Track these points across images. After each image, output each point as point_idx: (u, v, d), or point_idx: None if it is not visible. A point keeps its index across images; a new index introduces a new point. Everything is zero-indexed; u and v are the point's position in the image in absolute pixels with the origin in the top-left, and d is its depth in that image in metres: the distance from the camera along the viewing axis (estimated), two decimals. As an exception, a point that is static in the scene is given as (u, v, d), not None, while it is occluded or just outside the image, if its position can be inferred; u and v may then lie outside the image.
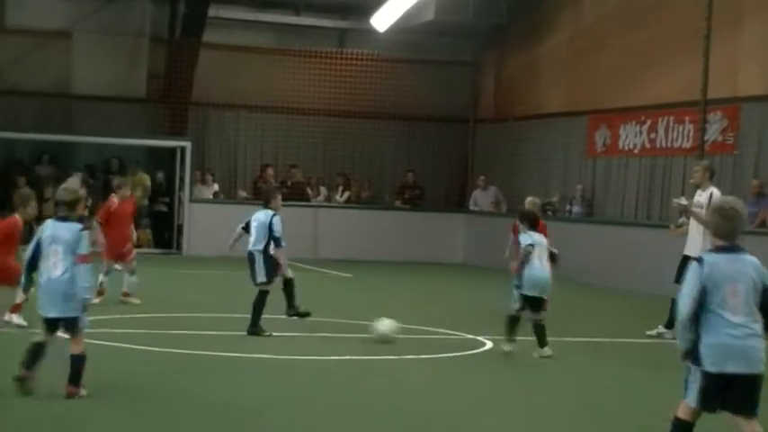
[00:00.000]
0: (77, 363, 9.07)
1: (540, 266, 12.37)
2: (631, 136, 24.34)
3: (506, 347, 12.45)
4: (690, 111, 21.88)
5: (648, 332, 14.93)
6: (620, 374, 11.89)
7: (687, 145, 22.58)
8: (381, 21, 27.15)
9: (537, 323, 12.46)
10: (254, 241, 13.70)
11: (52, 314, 9.14)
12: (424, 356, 12.35)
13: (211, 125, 28.49)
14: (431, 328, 14.67)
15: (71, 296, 9.04)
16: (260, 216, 13.84)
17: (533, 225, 12.63)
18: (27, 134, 26.57)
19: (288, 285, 14.19)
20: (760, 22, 21.12)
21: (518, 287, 12.40)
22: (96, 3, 27.36)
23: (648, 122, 23.80)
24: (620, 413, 9.70)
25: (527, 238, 12.49)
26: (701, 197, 14.80)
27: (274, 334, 13.29)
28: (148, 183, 27.14)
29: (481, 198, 28.45)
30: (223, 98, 28.11)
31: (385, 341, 12.82)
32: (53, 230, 9.23)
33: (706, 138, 21.18)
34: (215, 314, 15.08)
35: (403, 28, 27.13)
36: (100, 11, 27.43)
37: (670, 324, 14.42)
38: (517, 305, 12.46)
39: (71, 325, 9.14)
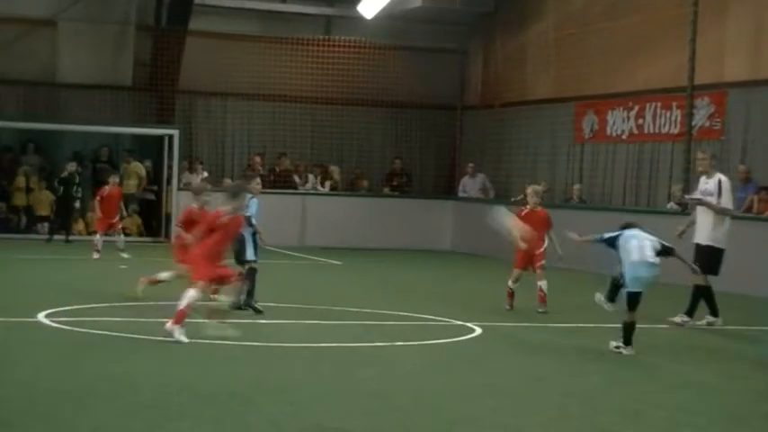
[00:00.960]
0: None
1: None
2: (619, 122, 24.37)
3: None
4: (677, 97, 21.93)
5: (672, 318, 14.96)
6: (607, 360, 11.91)
7: (675, 131, 22.63)
8: (368, 7, 27.12)
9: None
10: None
11: None
12: (413, 343, 12.37)
13: (198, 113, 28.45)
14: (420, 315, 14.69)
15: None
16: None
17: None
18: (12, 123, 26.47)
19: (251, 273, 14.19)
20: (746, 8, 21.16)
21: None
22: (82, -10, 27.27)
23: (636, 108, 23.83)
24: (609, 399, 9.72)
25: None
26: (707, 185, 14.91)
27: (261, 321, 13.29)
28: (143, 172, 27.23)
29: (469, 185, 28.47)
30: (210, 86, 28.05)
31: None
32: None
33: (693, 123, 21.24)
34: (204, 302, 15.06)
35: (390, 14, 27.11)
36: (86, -1, 27.36)
37: (713, 309, 14.57)
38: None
39: None
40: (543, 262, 15.56)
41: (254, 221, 14.30)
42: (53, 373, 9.73)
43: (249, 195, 13.90)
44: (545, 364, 11.41)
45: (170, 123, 27.35)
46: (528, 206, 15.95)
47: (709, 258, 14.70)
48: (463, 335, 13.12)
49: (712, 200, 14.76)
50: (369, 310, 15.05)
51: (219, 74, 27.85)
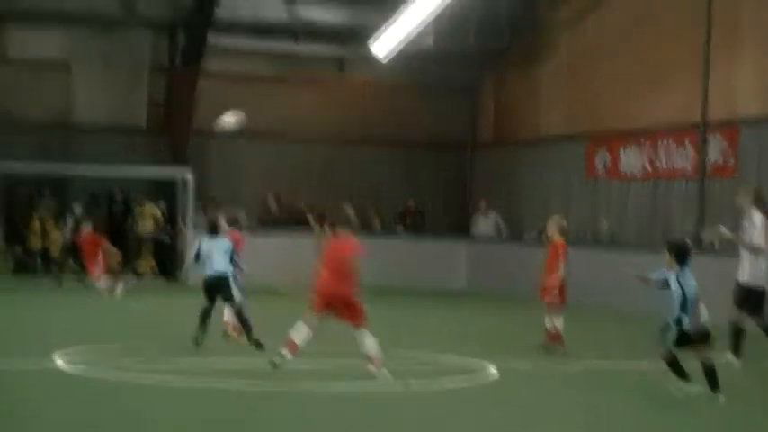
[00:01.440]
0: None
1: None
2: (631, 159, 24.37)
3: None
4: (689, 133, 21.94)
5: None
6: (631, 403, 11.84)
7: (687, 167, 22.61)
8: (381, 47, 27.23)
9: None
10: (224, 265, 14.53)
11: None
12: (429, 384, 12.31)
13: (212, 153, 28.51)
14: (436, 355, 14.64)
15: None
16: (220, 242, 14.74)
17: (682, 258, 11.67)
18: (28, 165, 26.55)
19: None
20: (758, 45, 21.20)
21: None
22: (96, 33, 27.44)
23: (648, 145, 23.84)
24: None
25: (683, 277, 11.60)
26: (744, 220, 14.71)
27: (275, 360, 13.26)
28: (158, 213, 27.28)
29: (482, 223, 28.46)
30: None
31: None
32: None
33: (706, 160, 21.23)
34: (217, 342, 15.06)
35: (402, 54, 27.20)
36: (99, 41, 27.52)
37: (735, 349, 14.21)
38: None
39: None
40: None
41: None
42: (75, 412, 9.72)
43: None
44: (566, 405, 11.35)
45: (184, 164, 27.41)
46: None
47: (747, 298, 14.45)
48: (480, 375, 13.06)
49: (756, 233, 14.50)
50: (381, 350, 14.99)
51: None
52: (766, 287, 14.50)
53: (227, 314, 15.18)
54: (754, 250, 14.48)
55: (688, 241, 12.52)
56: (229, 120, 13.61)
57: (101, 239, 23.11)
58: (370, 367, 12.12)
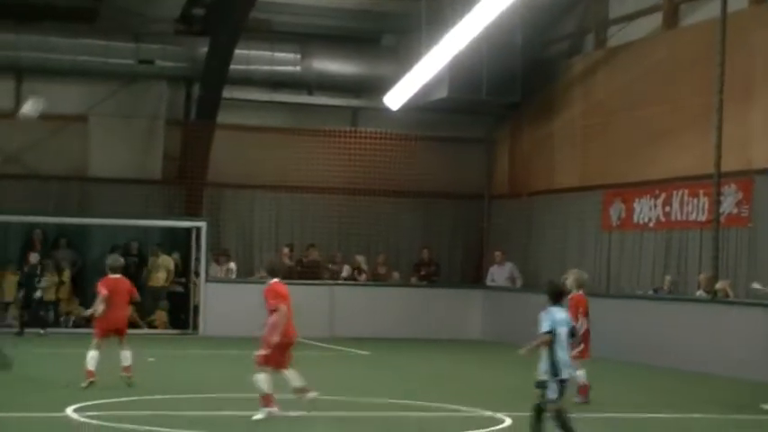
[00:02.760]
0: None
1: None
2: (646, 210, 24.36)
3: None
4: (704, 184, 21.93)
5: (763, 405, 14.95)
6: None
7: (702, 218, 22.58)
8: (394, 99, 27.37)
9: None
10: None
11: None
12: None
13: (226, 205, 28.62)
14: (450, 405, 14.60)
15: None
16: None
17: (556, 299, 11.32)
18: (45, 218, 26.73)
19: None
20: (771, 95, 21.22)
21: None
22: (112, 86, 27.68)
23: (663, 196, 23.84)
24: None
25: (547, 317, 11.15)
26: None
27: (291, 414, 13.23)
28: (171, 265, 27.38)
29: (498, 274, 28.42)
30: (238, 178, 28.29)
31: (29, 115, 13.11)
32: None
33: (721, 211, 21.21)
34: (227, 394, 15.04)
35: (416, 106, 27.33)
36: (116, 94, 27.76)
37: None
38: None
39: None
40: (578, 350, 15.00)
41: None
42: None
43: None
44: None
45: (198, 216, 27.53)
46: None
47: None
48: (493, 426, 13.01)
49: None
50: (396, 401, 14.96)
51: (247, 166, 28.10)
52: None
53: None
54: None
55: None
56: (30, 108, 13.59)
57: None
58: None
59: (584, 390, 15.21)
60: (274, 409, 12.73)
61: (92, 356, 15.36)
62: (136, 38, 27.28)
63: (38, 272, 25.52)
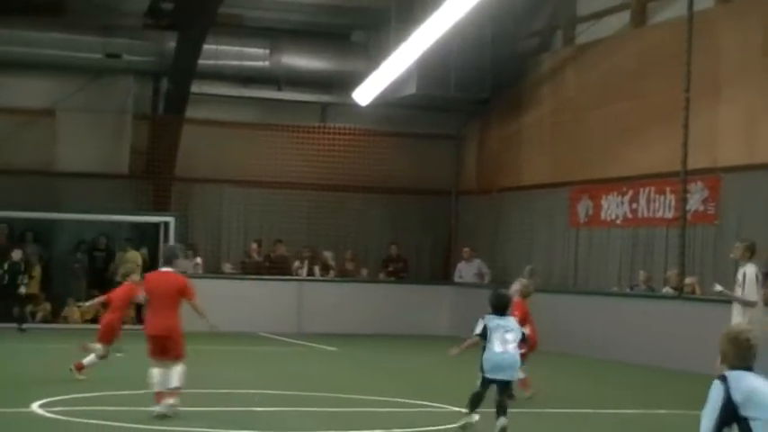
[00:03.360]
0: None
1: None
2: (613, 206, 24.48)
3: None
4: (671, 181, 22.05)
5: None
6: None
7: (669, 215, 22.72)
8: (363, 95, 27.38)
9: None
10: None
11: None
12: (410, 430, 12.29)
13: (195, 200, 28.56)
14: (418, 401, 14.62)
15: None
16: None
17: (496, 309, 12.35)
18: (11, 212, 26.53)
19: None
20: (738, 93, 21.37)
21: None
22: (80, 81, 27.53)
23: (630, 193, 23.96)
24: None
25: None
26: (738, 274, 15.02)
27: (257, 409, 13.21)
28: (139, 260, 27.27)
29: (465, 270, 28.48)
30: (207, 173, 28.22)
31: None
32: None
33: (687, 208, 21.33)
34: (192, 390, 15.01)
35: (385, 102, 27.35)
36: (83, 89, 27.61)
37: None
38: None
39: None
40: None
41: None
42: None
43: None
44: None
45: (166, 211, 27.45)
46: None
47: None
48: (460, 421, 13.02)
49: (739, 290, 14.84)
50: (364, 397, 14.98)
51: (216, 161, 28.04)
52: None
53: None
54: (748, 304, 14.71)
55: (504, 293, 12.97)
56: None
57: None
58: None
59: (523, 384, 15.28)
60: (167, 403, 12.13)
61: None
62: (103, 32, 27.15)
63: (22, 269, 25.36)
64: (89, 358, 15.81)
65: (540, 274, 22.42)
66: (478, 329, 12.11)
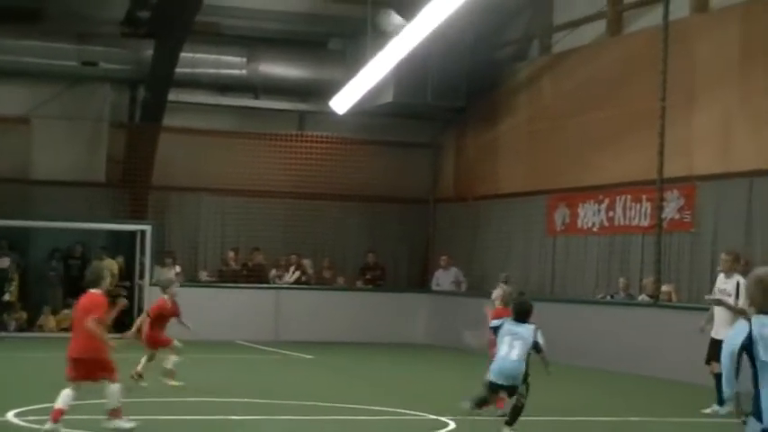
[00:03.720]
0: None
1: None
2: (590, 214, 24.56)
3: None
4: (647, 189, 22.13)
5: (704, 410, 15.20)
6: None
7: (645, 223, 22.81)
8: (340, 103, 27.36)
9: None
10: None
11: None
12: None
13: (172, 208, 28.49)
14: (393, 409, 14.62)
15: None
16: None
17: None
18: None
19: None
20: (714, 102, 21.49)
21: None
22: (56, 88, 27.44)
23: (607, 201, 24.04)
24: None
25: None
26: (726, 284, 15.37)
27: (234, 417, 13.18)
28: (115, 269, 27.18)
29: (443, 278, 28.50)
30: (184, 181, 28.15)
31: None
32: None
33: (663, 216, 21.42)
34: (168, 398, 14.97)
35: (362, 110, 27.35)
36: (59, 96, 27.53)
37: (720, 401, 14.81)
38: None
39: None
40: None
41: None
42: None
43: None
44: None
45: (143, 219, 27.38)
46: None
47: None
48: (438, 429, 13.04)
49: (730, 300, 15.12)
50: (341, 405, 14.96)
51: (193, 169, 27.98)
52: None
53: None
54: (743, 313, 14.90)
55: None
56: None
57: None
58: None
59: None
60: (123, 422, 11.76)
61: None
62: (80, 39, 27.07)
63: (9, 276, 25.28)
64: (172, 360, 15.96)
65: (515, 282, 22.50)
66: (495, 323, 13.03)
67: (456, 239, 28.96)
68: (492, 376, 12.29)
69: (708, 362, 15.18)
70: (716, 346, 14.95)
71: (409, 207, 30.02)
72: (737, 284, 15.12)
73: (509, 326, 12.49)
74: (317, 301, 27.77)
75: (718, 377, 14.87)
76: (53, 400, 13.89)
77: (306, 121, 29.59)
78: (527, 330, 12.42)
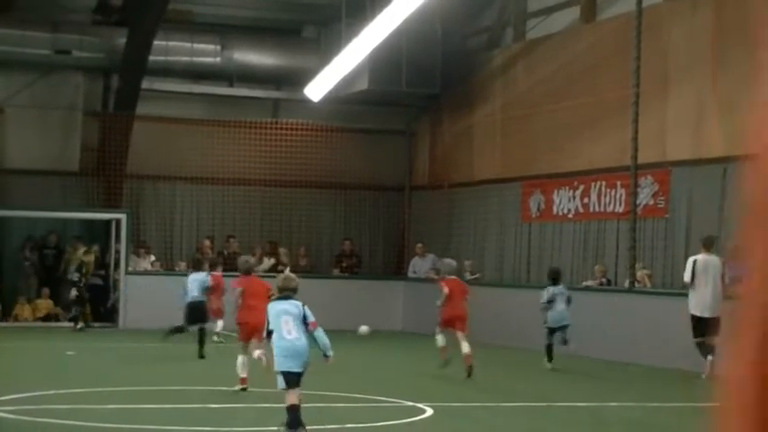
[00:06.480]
0: None
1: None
2: (565, 201, 24.63)
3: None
4: (621, 175, 22.22)
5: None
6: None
7: (619, 209, 22.89)
8: (315, 90, 27.35)
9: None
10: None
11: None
12: (364, 425, 12.32)
13: (147, 197, 28.41)
14: (371, 396, 14.65)
15: None
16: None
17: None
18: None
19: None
20: (687, 89, 21.56)
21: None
22: (29, 77, 27.31)
23: (581, 188, 24.11)
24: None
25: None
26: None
27: (212, 406, 13.18)
28: (91, 258, 27.10)
29: (419, 265, 28.54)
30: (158, 170, 28.08)
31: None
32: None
33: (638, 202, 21.52)
34: (145, 387, 14.95)
35: (337, 97, 27.34)
36: (32, 85, 27.39)
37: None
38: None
39: None
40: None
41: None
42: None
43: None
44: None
45: (118, 208, 27.29)
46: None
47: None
48: (414, 416, 13.08)
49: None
50: (317, 392, 14.97)
51: (168, 158, 27.90)
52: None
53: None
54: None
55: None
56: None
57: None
58: None
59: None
60: None
61: (241, 362, 14.60)
62: (52, 28, 26.94)
63: None
64: (258, 352, 15.72)
65: (475, 268, 22.76)
66: (545, 298, 18.66)
67: (431, 226, 29.00)
68: (553, 324, 18.80)
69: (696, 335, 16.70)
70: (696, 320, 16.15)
71: (384, 194, 30.04)
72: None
73: (553, 289, 17.86)
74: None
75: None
76: (30, 389, 13.90)
77: (280, 108, 29.56)
78: (562, 288, 17.23)
